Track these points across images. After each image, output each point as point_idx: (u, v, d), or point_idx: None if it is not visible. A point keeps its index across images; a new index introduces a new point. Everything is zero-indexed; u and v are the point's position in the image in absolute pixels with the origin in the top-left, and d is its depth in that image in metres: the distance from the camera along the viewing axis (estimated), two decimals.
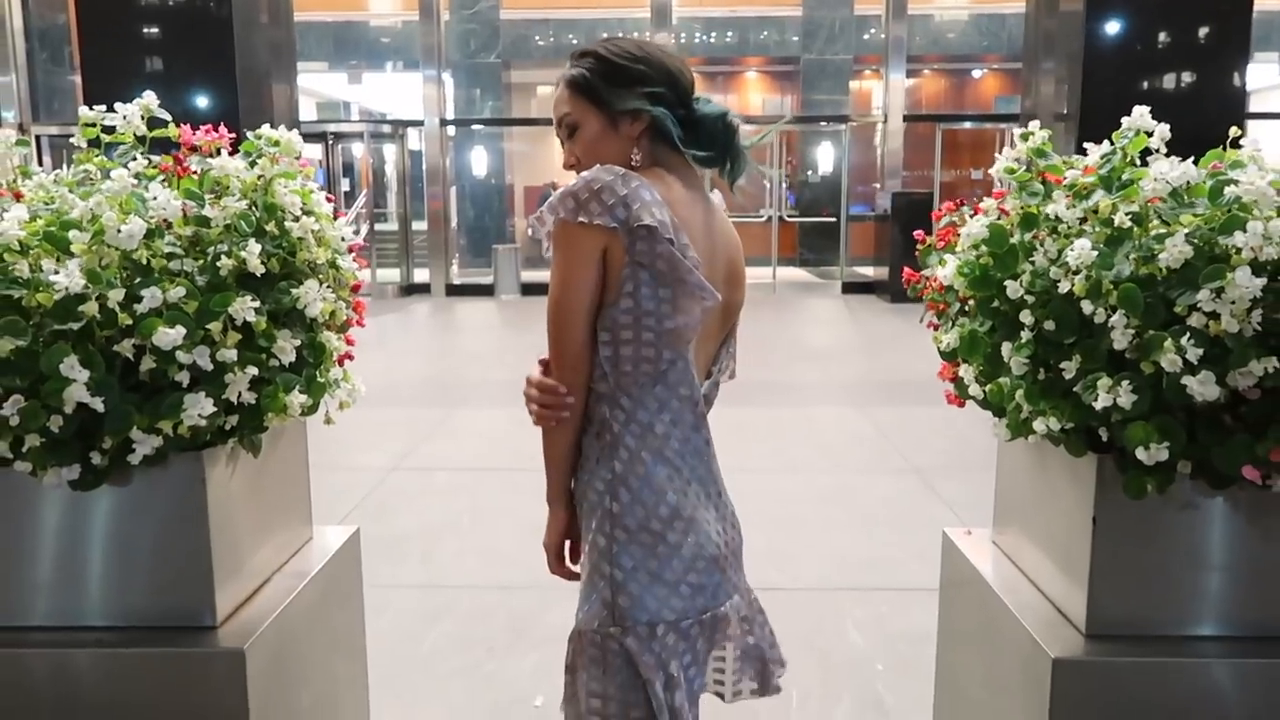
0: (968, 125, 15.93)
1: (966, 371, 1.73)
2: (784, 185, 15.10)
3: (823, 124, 15.79)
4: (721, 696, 1.56)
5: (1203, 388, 1.34)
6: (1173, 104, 7.95)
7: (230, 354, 1.53)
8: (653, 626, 1.35)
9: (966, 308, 1.72)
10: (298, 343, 1.65)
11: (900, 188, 13.02)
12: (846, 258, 14.35)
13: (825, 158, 16.31)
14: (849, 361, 8.89)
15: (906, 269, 1.87)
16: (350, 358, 1.88)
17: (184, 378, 1.50)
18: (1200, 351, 1.35)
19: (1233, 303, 1.33)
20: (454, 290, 13.74)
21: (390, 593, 3.31)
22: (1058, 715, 1.58)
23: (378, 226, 15.19)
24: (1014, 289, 1.54)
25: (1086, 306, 1.45)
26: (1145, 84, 8.05)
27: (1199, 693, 1.58)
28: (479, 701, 2.63)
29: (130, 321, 1.45)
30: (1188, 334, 1.36)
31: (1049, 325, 1.51)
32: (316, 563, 1.97)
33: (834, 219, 14.59)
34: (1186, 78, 8.05)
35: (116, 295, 1.44)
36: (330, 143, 13.94)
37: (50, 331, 1.45)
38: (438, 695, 2.70)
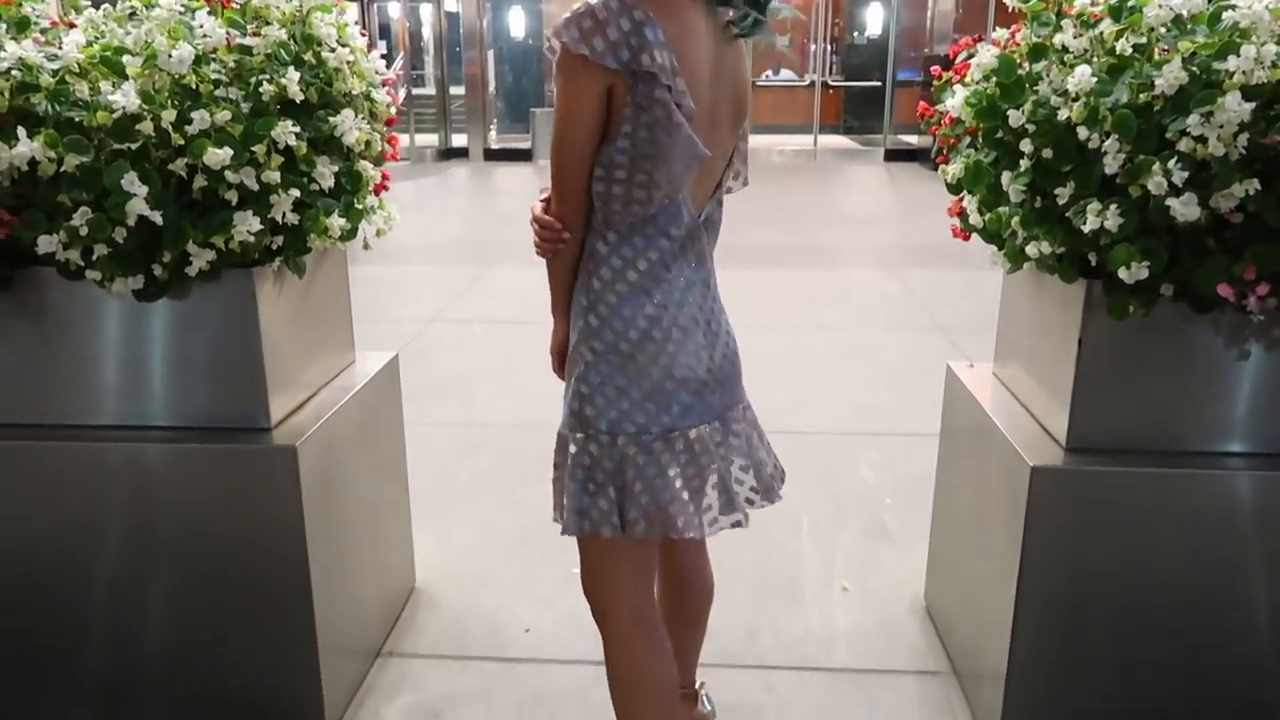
0: None
1: (970, 203, 1.80)
2: (830, 48, 14.60)
3: None
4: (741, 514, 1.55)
5: (1185, 208, 1.41)
6: None
7: (274, 176, 1.64)
8: (613, 437, 1.43)
9: (975, 142, 1.78)
10: (336, 169, 1.76)
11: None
12: (891, 125, 14.02)
13: (873, 19, 15.70)
14: (885, 227, 8.84)
15: (922, 102, 1.92)
16: (385, 188, 1.99)
17: (233, 197, 1.62)
18: (1186, 175, 1.41)
19: (1220, 127, 1.38)
20: (492, 155, 13.71)
21: (430, 430, 3.52)
22: (1034, 520, 1.72)
23: (415, 91, 15.04)
24: (1016, 117, 1.60)
25: (1082, 133, 1.50)
26: None
27: (1167, 500, 1.70)
28: (511, 523, 2.86)
29: (182, 142, 1.57)
30: (1176, 158, 1.42)
31: (1047, 153, 1.57)
32: (359, 380, 2.14)
33: (880, 84, 14.16)
34: None
35: (169, 116, 1.55)
36: (366, 3, 13.69)
37: (110, 151, 1.57)
38: (473, 517, 2.93)
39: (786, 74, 15.80)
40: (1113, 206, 1.48)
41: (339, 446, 2.00)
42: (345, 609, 2.06)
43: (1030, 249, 1.61)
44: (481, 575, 2.57)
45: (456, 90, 14.26)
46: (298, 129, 1.65)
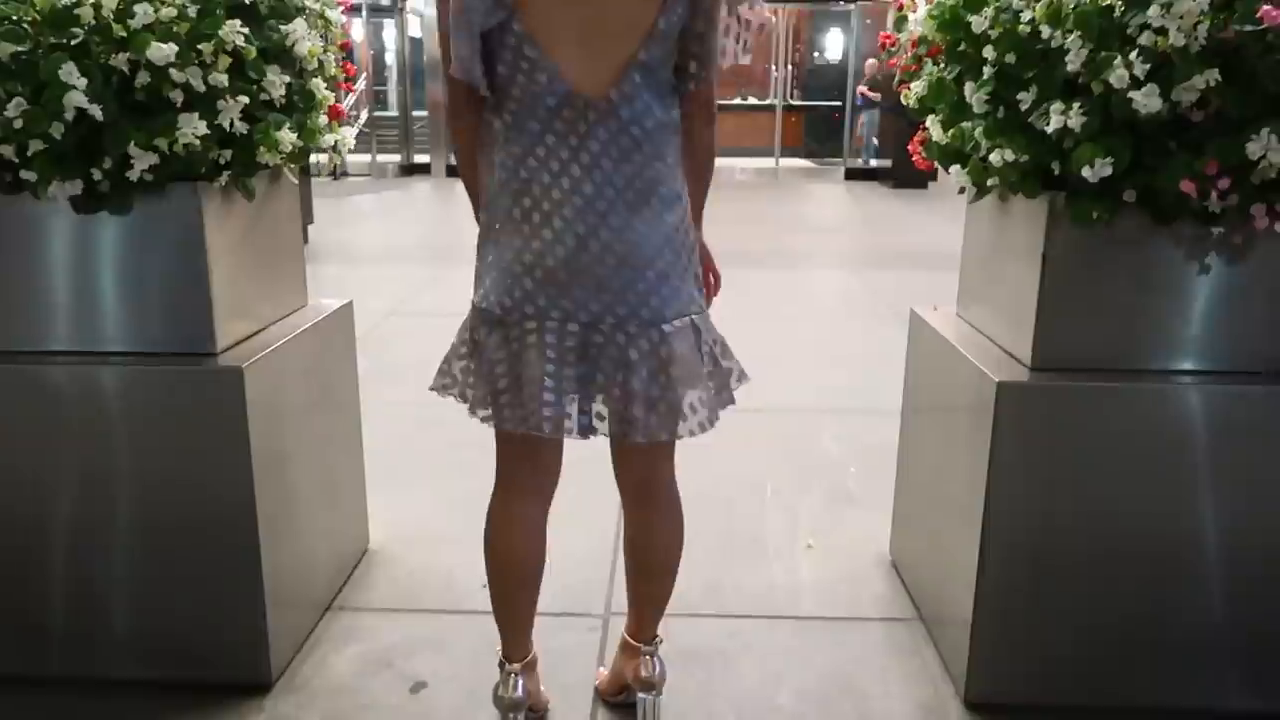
0: None
1: (933, 123, 1.79)
2: (790, 69, 14.81)
3: (832, 3, 15.39)
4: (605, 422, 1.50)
5: (1147, 100, 1.41)
6: None
7: (222, 78, 1.59)
8: (475, 306, 1.50)
9: (937, 61, 1.77)
10: (287, 79, 1.71)
11: None
12: (850, 147, 14.20)
13: (833, 43, 15.96)
14: (846, 235, 8.93)
15: (883, 33, 1.91)
16: (340, 113, 1.93)
17: (178, 98, 1.57)
18: (1148, 68, 1.41)
19: (1180, 18, 1.38)
20: (454, 171, 13.65)
21: (387, 408, 3.43)
22: (1000, 440, 1.70)
23: (378, 114, 15.01)
24: (978, 23, 1.59)
25: (1045, 32, 1.50)
26: None
27: (1132, 416, 1.69)
28: (469, 488, 2.76)
29: (124, 34, 1.51)
30: (1137, 51, 1.42)
31: (1010, 59, 1.57)
32: (312, 319, 2.07)
33: (839, 103, 14.36)
34: None
35: (110, 3, 1.49)
36: None
37: (49, 44, 1.51)
38: (430, 484, 2.85)
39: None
40: (1075, 105, 1.48)
41: (288, 380, 1.93)
42: (294, 558, 1.97)
43: (994, 157, 1.60)
44: (437, 536, 2.50)
45: (419, 113, 14.27)
46: (246, 31, 1.60)
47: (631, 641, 1.76)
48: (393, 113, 15.02)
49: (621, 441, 1.50)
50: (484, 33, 1.35)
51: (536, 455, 1.60)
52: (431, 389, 1.57)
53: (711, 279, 1.67)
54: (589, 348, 1.44)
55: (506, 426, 1.47)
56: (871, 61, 13.67)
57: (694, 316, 1.49)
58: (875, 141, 14.25)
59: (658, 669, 1.72)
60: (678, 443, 1.58)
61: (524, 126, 1.40)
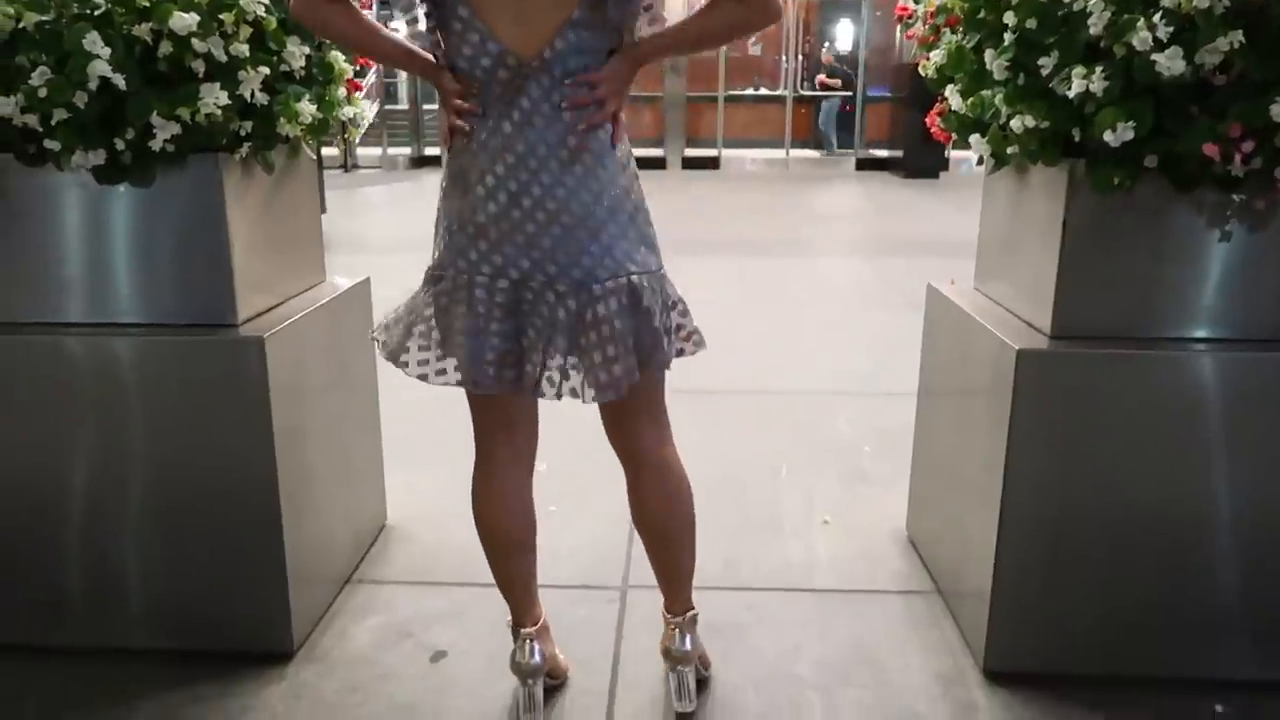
0: None
1: (952, 93, 1.78)
2: (800, 60, 14.74)
3: None
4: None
5: (1170, 63, 1.40)
6: None
7: (243, 49, 1.60)
8: (427, 271, 1.56)
9: (956, 30, 1.77)
10: (307, 50, 1.72)
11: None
12: (862, 140, 14.14)
13: (844, 35, 15.89)
14: (858, 224, 8.91)
15: (900, 5, 1.91)
16: (359, 87, 1.94)
17: (199, 68, 1.58)
18: (1171, 30, 1.40)
19: None
20: None
21: (402, 392, 3.44)
22: (1019, 410, 1.69)
23: (388, 107, 15.00)
24: None
25: None
26: None
27: (1152, 384, 1.68)
28: None
29: (148, 4, 1.52)
30: (1160, 13, 1.41)
31: (1031, 24, 1.56)
32: (330, 294, 2.08)
33: (849, 93, 14.30)
34: None
35: None
36: None
37: (73, 14, 1.52)
38: (447, 464, 2.83)
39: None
40: (1097, 69, 1.47)
41: (308, 353, 1.94)
42: (313, 533, 1.99)
43: (1014, 124, 1.59)
44: (454, 513, 2.48)
45: (429, 107, 14.28)
46: (266, 1, 1.61)
47: (663, 613, 1.76)
48: (403, 106, 15.04)
49: (556, 399, 1.51)
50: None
51: (509, 423, 1.62)
52: (372, 337, 1.65)
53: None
54: (521, 304, 1.46)
55: (433, 381, 1.54)
56: (827, 50, 13.82)
57: (633, 277, 1.47)
58: (833, 136, 14.57)
59: (687, 643, 1.71)
60: (685, 423, 1.58)
61: (470, 89, 1.43)
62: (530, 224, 1.42)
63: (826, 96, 14.49)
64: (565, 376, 1.48)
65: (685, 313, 1.60)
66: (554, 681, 1.77)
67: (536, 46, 1.39)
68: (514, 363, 1.48)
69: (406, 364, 1.55)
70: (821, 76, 13.90)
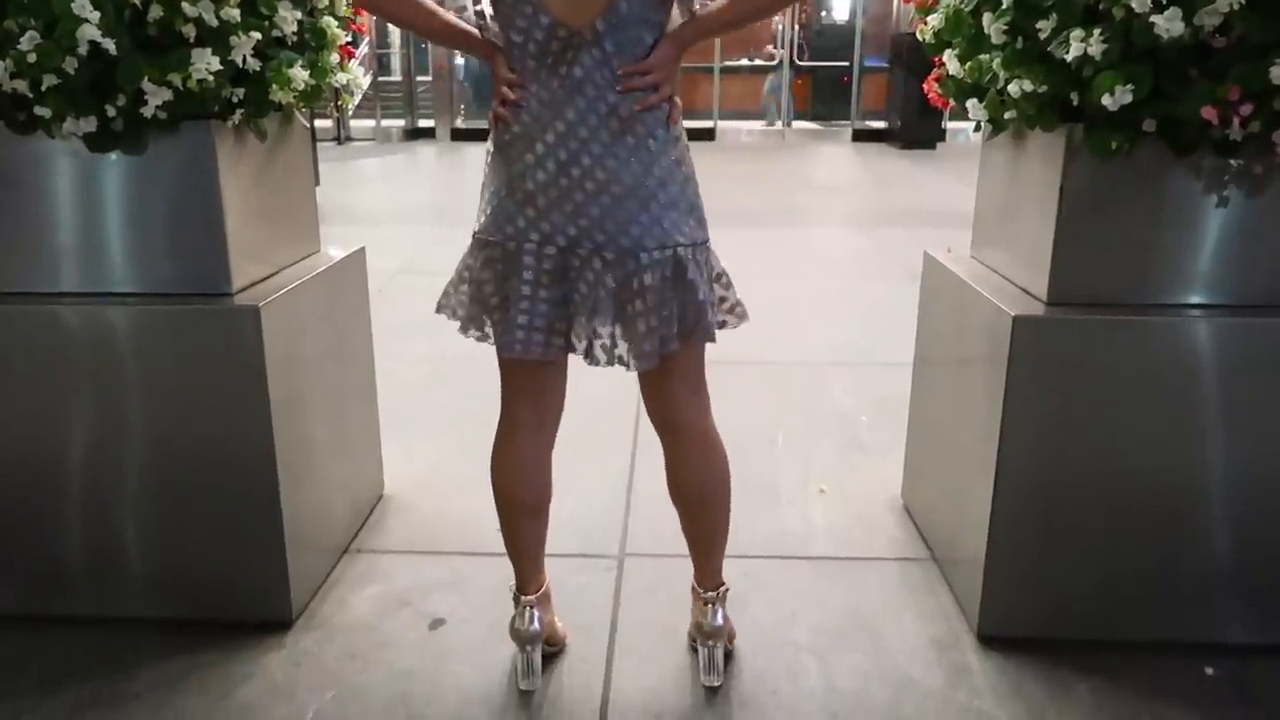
0: None
1: (949, 58, 1.77)
2: (796, 30, 14.60)
3: None
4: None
5: (1169, 24, 1.39)
6: None
7: (234, 13, 1.58)
8: (473, 234, 1.56)
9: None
10: (299, 15, 1.70)
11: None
12: (859, 110, 14.06)
13: (839, 3, 15.74)
14: (855, 194, 8.87)
15: None
16: (351, 54, 1.92)
17: (190, 32, 1.56)
18: None
19: None
20: (460, 135, 13.57)
21: (401, 363, 3.45)
22: (1015, 376, 1.70)
23: (381, 78, 14.89)
24: None
25: None
26: None
27: (1147, 351, 1.68)
28: (483, 438, 2.79)
29: None
30: None
31: None
32: (325, 264, 2.08)
33: (845, 64, 14.19)
34: None
35: None
36: None
37: None
38: (445, 435, 2.87)
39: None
40: (1096, 32, 1.46)
41: (304, 322, 1.94)
42: (311, 502, 1.99)
43: (1012, 88, 1.58)
44: (451, 483, 2.51)
45: (423, 78, 14.16)
46: None
47: (694, 587, 1.77)
48: (396, 77, 14.90)
49: (607, 366, 1.53)
50: None
51: (539, 389, 1.63)
52: (437, 312, 1.63)
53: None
54: (569, 270, 1.48)
55: (498, 346, 1.55)
56: (776, 22, 13.79)
57: (679, 249, 1.48)
58: (776, 106, 14.53)
59: (719, 618, 1.71)
60: None
61: (522, 61, 1.46)
62: (579, 192, 1.44)
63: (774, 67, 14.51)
64: (614, 344, 1.50)
65: (729, 285, 1.62)
66: (552, 649, 1.78)
67: (588, 17, 1.40)
68: (564, 330, 1.51)
69: (483, 337, 1.59)
70: (769, 48, 13.98)
